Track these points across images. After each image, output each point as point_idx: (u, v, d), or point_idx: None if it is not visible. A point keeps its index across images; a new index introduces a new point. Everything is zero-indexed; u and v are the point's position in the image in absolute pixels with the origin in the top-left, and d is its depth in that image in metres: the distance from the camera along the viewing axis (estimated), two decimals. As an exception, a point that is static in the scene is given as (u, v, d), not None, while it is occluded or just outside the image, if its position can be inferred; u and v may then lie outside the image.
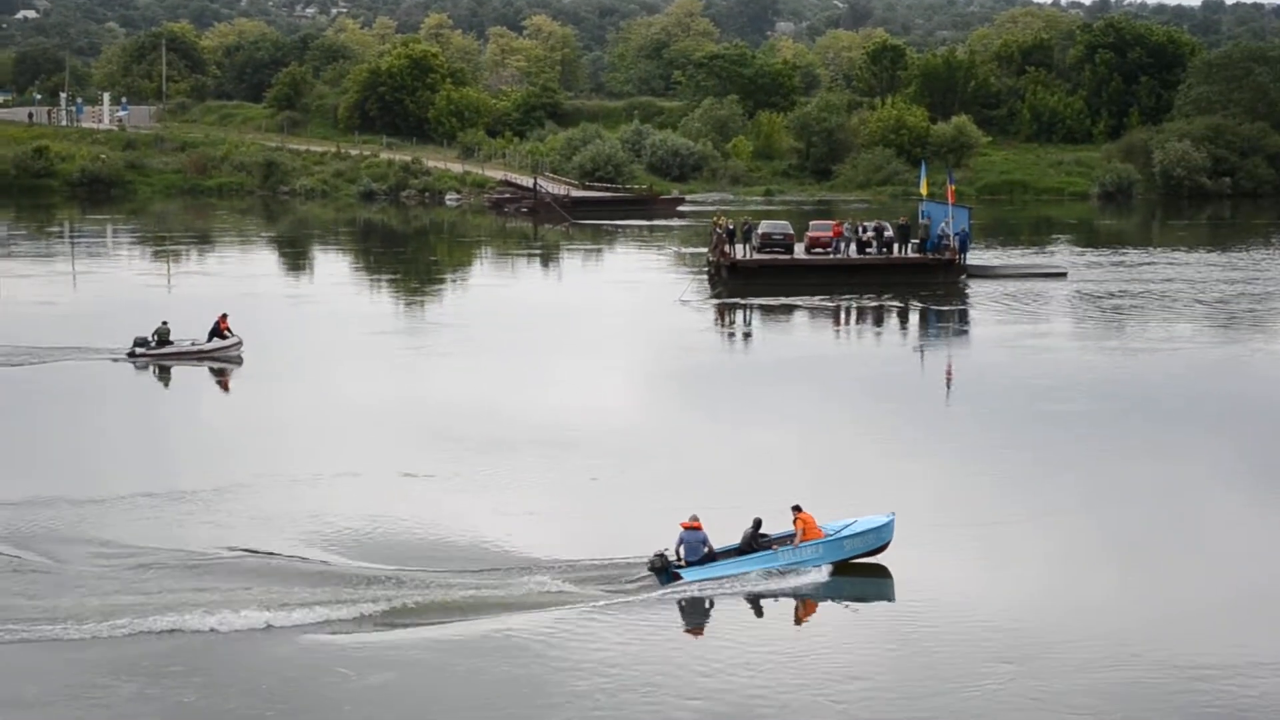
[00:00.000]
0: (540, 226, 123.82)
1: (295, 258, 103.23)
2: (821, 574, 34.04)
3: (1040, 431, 48.15)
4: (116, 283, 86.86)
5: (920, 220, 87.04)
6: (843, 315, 75.26)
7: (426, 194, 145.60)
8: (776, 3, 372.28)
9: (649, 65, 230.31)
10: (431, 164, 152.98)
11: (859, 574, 34.68)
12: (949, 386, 58.41)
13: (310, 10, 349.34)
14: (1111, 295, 78.96)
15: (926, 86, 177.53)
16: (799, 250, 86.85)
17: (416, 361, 61.47)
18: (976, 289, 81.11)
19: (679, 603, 32.95)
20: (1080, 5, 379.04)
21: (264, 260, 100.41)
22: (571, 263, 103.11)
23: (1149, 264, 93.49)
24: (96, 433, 48.67)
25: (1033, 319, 72.21)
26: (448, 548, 35.92)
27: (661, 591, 33.16)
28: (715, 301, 78.66)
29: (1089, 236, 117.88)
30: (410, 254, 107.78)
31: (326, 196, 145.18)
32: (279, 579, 33.53)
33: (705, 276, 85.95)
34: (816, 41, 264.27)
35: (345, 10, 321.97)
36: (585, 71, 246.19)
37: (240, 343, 60.70)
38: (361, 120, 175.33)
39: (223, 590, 32.57)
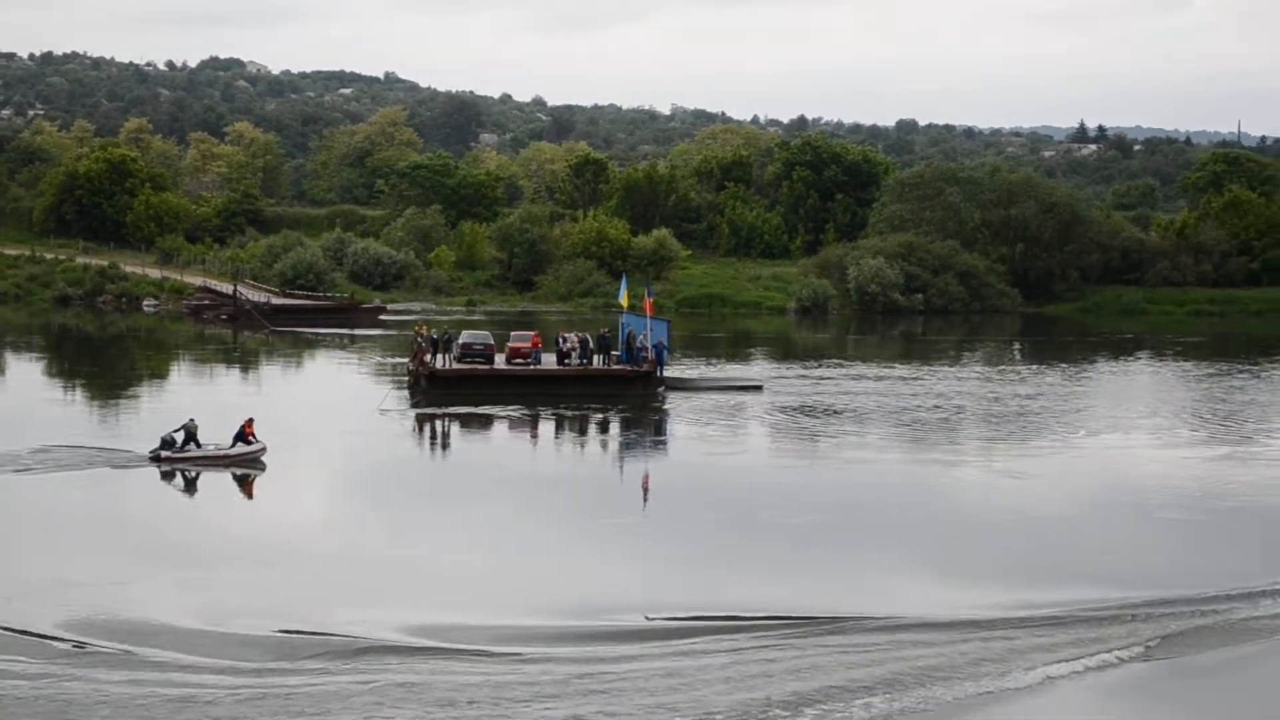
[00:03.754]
0: (240, 334, 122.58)
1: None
2: None
3: (729, 538, 48.70)
4: None
5: (625, 331, 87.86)
6: (540, 426, 75.55)
7: (124, 299, 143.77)
8: (480, 114, 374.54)
9: (352, 174, 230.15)
10: (129, 269, 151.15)
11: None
12: (645, 496, 58.86)
13: (6, 112, 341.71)
14: (805, 408, 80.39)
15: (628, 200, 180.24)
16: (499, 360, 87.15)
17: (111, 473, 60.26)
18: (674, 401, 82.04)
19: None
20: (779, 124, 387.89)
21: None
22: (271, 371, 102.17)
23: (842, 378, 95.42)
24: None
25: (728, 431, 73.23)
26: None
27: None
28: (415, 411, 78.37)
29: (785, 350, 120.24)
30: (106, 361, 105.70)
31: (20, 300, 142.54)
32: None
33: (406, 386, 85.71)
34: (520, 153, 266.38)
35: (42, 112, 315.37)
36: (287, 179, 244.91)
37: (265, 449, 59.79)
38: (58, 223, 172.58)
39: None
